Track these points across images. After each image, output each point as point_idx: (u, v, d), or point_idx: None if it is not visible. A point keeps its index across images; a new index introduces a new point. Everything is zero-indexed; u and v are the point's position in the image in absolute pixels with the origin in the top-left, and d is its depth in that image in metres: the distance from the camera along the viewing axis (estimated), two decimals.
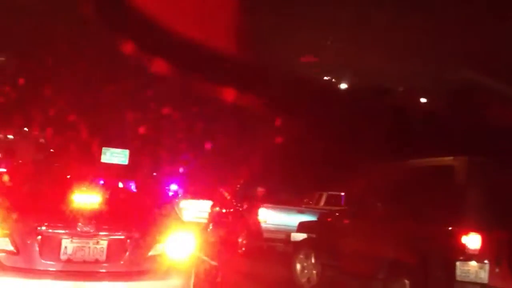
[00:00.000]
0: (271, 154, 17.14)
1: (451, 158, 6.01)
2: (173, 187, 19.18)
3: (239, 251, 11.89)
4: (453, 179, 5.80)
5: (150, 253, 4.50)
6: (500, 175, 5.76)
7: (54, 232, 4.34)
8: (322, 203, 14.25)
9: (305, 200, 13.75)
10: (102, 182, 5.57)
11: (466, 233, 5.35)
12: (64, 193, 4.68)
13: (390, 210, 6.75)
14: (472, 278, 5.31)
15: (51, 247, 4.28)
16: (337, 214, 8.40)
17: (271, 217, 11.91)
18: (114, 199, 5.08)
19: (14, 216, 4.33)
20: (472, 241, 5.33)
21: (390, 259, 6.28)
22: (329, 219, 8.48)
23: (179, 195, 17.28)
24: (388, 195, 6.88)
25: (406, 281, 5.92)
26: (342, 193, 14.45)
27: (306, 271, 8.28)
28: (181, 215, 7.85)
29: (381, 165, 7.77)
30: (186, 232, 4.90)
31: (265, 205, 12.08)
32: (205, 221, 14.42)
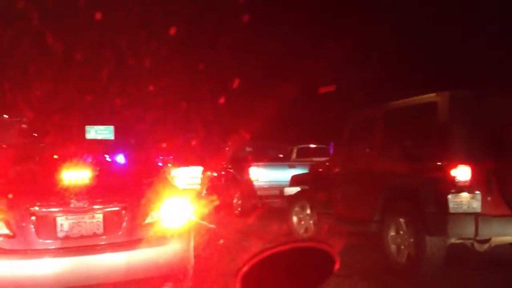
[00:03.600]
0: (257, 113, 17.16)
1: (433, 94, 6.03)
2: (162, 156, 19.19)
3: (235, 212, 12.02)
4: (437, 115, 5.85)
5: (147, 221, 4.54)
6: (484, 106, 5.81)
7: (48, 211, 4.34)
8: (294, 156, 14.19)
9: (280, 156, 13.73)
10: (90, 158, 5.53)
11: (455, 166, 5.44)
12: (54, 172, 4.66)
13: (378, 152, 6.81)
14: (465, 208, 5.42)
15: (46, 226, 4.28)
16: (327, 163, 8.46)
17: (262, 175, 12.00)
18: (104, 173, 5.08)
19: (6, 199, 4.31)
20: (462, 173, 5.42)
21: (383, 200, 6.39)
22: (320, 170, 8.55)
23: (169, 164, 17.29)
24: (375, 138, 6.93)
25: (401, 220, 6.03)
26: (312, 145, 14.52)
27: (303, 222, 8.43)
28: (174, 183, 7.90)
29: (364, 110, 7.80)
30: (180, 198, 4.93)
31: (255, 163, 12.14)
32: (198, 187, 14.49)
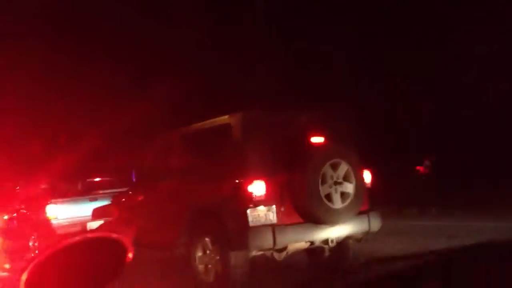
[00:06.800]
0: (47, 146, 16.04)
1: (226, 116, 6.37)
2: None
3: (33, 255, 11.01)
4: (232, 136, 6.18)
5: None
6: (274, 124, 6.31)
7: None
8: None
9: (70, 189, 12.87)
10: None
11: (251, 183, 5.79)
12: None
13: (180, 175, 6.92)
14: (262, 221, 5.79)
15: None
16: (130, 192, 8.28)
17: (61, 212, 11.24)
18: None
19: None
20: (257, 188, 5.79)
21: (188, 222, 6.49)
22: (123, 199, 8.33)
23: None
24: (175, 161, 7.03)
25: (207, 239, 6.20)
26: (97, 179, 13.80)
27: None
28: None
29: (162, 135, 7.87)
30: None
31: (52, 201, 11.33)
32: None
